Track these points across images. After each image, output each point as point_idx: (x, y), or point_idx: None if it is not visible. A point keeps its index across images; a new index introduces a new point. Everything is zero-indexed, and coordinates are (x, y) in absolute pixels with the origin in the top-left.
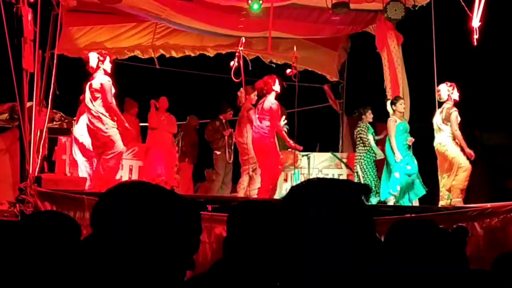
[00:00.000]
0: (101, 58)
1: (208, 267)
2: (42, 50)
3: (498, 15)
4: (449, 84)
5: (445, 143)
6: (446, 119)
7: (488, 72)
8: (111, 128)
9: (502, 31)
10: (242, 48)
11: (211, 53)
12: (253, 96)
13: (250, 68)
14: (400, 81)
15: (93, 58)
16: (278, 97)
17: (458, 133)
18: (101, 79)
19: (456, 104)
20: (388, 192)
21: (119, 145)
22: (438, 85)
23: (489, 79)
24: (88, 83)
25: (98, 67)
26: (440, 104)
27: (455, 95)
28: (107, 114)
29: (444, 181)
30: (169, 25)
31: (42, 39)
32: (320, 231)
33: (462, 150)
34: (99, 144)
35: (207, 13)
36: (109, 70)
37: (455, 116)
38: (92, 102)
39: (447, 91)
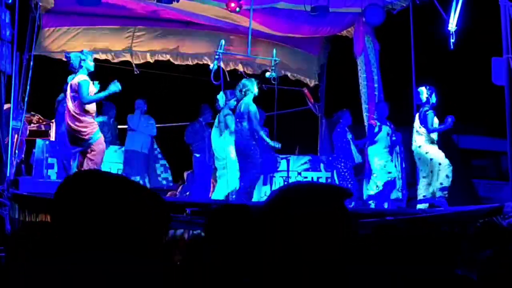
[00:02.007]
0: (83, 57)
1: (185, 269)
2: (19, 52)
3: (475, 19)
4: (428, 87)
5: (423, 146)
6: (424, 122)
7: (466, 75)
8: (91, 128)
9: (479, 35)
10: (221, 51)
11: (189, 59)
12: (233, 101)
13: (228, 79)
14: (375, 85)
15: (75, 58)
16: (257, 100)
17: (434, 129)
18: (80, 78)
19: (435, 107)
20: (368, 195)
21: (101, 144)
22: (416, 89)
23: (467, 82)
24: (69, 83)
25: (80, 67)
26: (419, 107)
27: (434, 99)
28: (86, 114)
29: (424, 184)
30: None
31: (19, 41)
32: (303, 232)
33: (441, 150)
34: (79, 144)
35: None
36: (91, 69)
37: (431, 116)
38: (72, 102)
39: (425, 94)
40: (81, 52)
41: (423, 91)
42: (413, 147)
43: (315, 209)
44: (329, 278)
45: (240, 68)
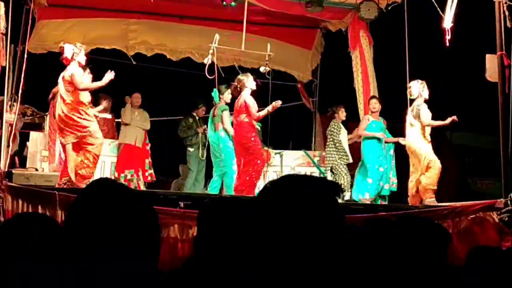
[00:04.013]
0: (76, 51)
1: (179, 264)
2: (14, 44)
3: (470, 16)
4: (420, 81)
5: (415, 141)
6: (417, 116)
7: (460, 72)
8: (89, 120)
9: (472, 32)
10: (216, 45)
11: (183, 54)
12: (227, 94)
13: (222, 75)
14: (370, 80)
15: (68, 50)
16: (252, 95)
17: (430, 123)
18: (73, 70)
19: (427, 102)
20: (358, 196)
21: (99, 136)
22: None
23: (460, 79)
24: (61, 75)
25: (72, 59)
26: (412, 102)
27: (425, 93)
28: (82, 107)
29: (414, 179)
30: None
31: (14, 33)
32: (294, 225)
33: (434, 148)
34: (77, 137)
35: None
36: (83, 63)
37: (424, 110)
38: (67, 94)
39: (418, 88)
40: (75, 44)
41: (415, 85)
42: (407, 141)
43: (305, 199)
44: (322, 266)
45: (234, 63)
